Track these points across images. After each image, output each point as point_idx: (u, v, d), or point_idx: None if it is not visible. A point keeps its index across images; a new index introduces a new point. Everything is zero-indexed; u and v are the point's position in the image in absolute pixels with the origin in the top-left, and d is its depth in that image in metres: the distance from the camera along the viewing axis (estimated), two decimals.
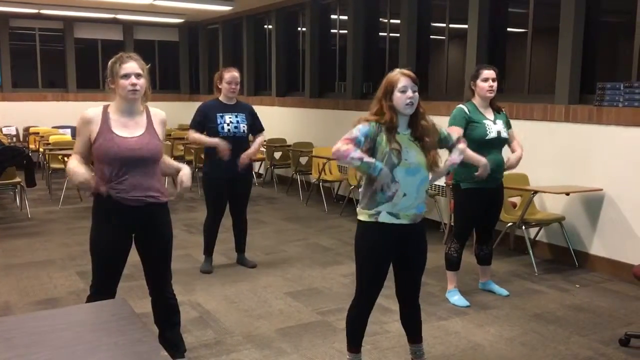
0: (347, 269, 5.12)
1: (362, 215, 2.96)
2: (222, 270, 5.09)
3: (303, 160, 8.78)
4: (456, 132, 3.93)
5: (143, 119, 3.00)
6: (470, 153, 3.84)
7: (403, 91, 2.82)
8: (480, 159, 3.95)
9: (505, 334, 3.83)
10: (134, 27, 12.30)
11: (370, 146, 2.84)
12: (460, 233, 4.37)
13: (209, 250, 5.09)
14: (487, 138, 4.12)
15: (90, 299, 3.05)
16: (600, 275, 5.08)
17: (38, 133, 10.30)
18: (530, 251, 5.25)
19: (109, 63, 2.94)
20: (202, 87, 12.70)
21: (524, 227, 5.27)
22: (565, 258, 5.36)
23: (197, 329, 3.84)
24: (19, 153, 7.17)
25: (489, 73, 4.15)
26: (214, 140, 4.70)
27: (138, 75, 2.89)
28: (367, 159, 2.78)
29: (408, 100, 2.83)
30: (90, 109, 2.96)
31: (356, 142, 2.80)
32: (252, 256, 5.35)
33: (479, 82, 4.17)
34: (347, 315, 3.13)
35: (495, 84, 4.16)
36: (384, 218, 2.89)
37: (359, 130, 2.84)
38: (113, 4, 9.79)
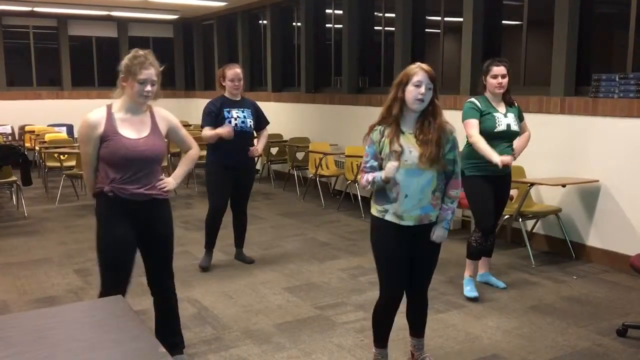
0: (345, 264, 5.13)
1: (373, 209, 2.98)
2: (220, 266, 5.09)
3: (300, 155, 8.78)
4: (472, 126, 4.09)
5: (147, 118, 3.00)
6: (483, 147, 4.00)
7: (417, 85, 2.80)
8: (492, 156, 3.98)
9: (503, 326, 3.84)
10: (129, 24, 12.24)
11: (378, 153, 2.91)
12: (480, 221, 4.32)
13: (209, 244, 5.06)
14: (495, 130, 4.14)
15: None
16: (597, 266, 5.10)
17: (33, 131, 10.26)
18: (527, 243, 5.26)
19: (127, 60, 2.89)
20: (198, 83, 12.65)
21: (520, 220, 5.28)
22: (562, 250, 5.38)
23: (195, 325, 3.84)
24: (15, 152, 7.15)
25: (498, 70, 4.15)
26: (218, 131, 4.67)
27: (153, 83, 2.91)
28: (373, 177, 2.89)
29: (419, 96, 2.80)
30: (93, 113, 2.91)
31: (370, 169, 2.92)
32: (249, 252, 5.35)
33: (489, 79, 4.18)
34: (373, 309, 3.13)
35: (505, 80, 4.15)
36: (390, 218, 2.90)
37: (367, 154, 2.93)
38: (107, 0, 9.74)
